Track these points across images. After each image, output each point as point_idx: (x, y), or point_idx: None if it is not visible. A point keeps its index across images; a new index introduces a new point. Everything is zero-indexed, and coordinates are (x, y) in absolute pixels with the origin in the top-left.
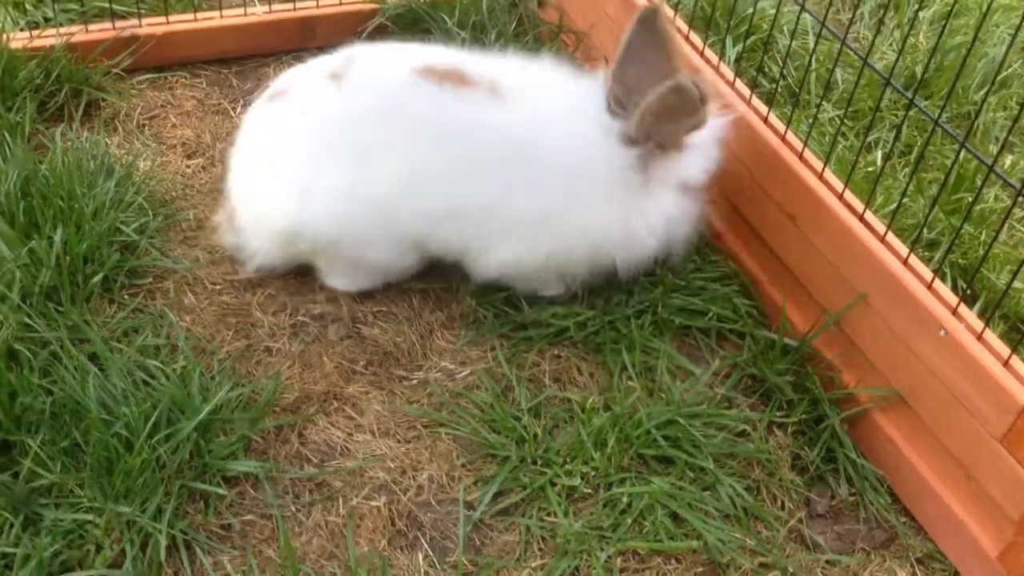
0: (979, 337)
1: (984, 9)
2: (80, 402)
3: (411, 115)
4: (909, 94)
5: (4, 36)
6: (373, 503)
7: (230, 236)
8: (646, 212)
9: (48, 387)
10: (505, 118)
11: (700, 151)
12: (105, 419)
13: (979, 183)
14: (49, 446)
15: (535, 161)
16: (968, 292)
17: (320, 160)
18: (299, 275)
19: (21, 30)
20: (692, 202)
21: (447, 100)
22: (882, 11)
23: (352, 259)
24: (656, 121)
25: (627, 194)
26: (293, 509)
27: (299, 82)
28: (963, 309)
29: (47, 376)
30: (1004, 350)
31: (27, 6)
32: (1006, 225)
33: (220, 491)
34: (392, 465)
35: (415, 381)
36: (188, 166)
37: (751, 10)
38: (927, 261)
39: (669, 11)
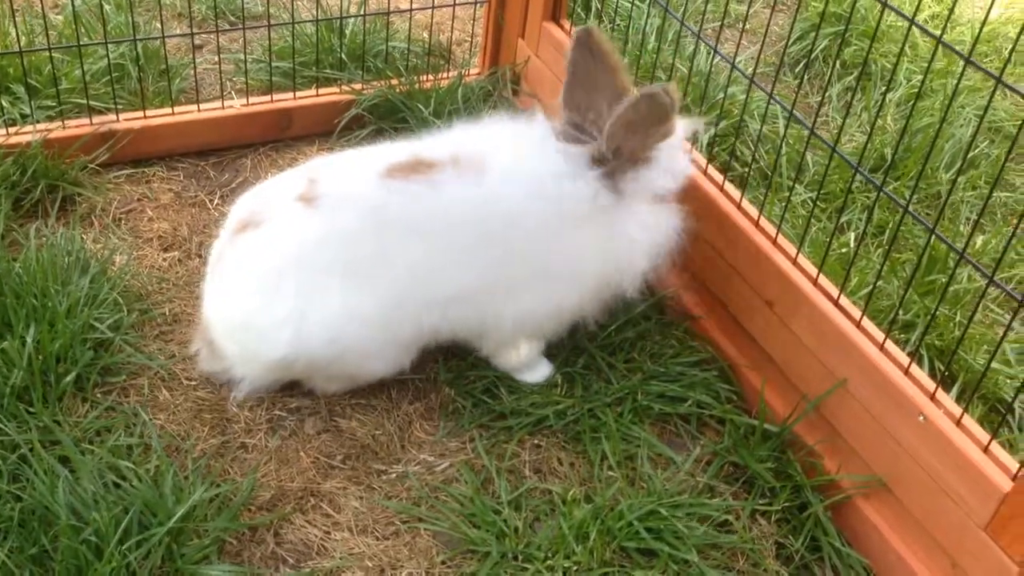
0: (958, 423)
1: (951, 92)
2: (49, 508)
3: (392, 219)
4: (878, 177)
5: None
6: None
7: (212, 364)
8: (628, 229)
9: (17, 493)
10: (479, 190)
11: (668, 159)
12: (75, 525)
13: (951, 264)
14: (17, 554)
15: (520, 220)
16: (946, 373)
17: (311, 287)
18: None
19: None
20: (668, 212)
21: (420, 191)
22: (849, 94)
23: (349, 372)
24: (627, 133)
25: (607, 216)
26: None
27: (267, 210)
28: (941, 394)
29: (16, 481)
30: (983, 436)
31: (3, 103)
32: (980, 306)
33: None
34: (371, 564)
35: (393, 475)
36: (164, 259)
37: (722, 95)
38: (903, 343)
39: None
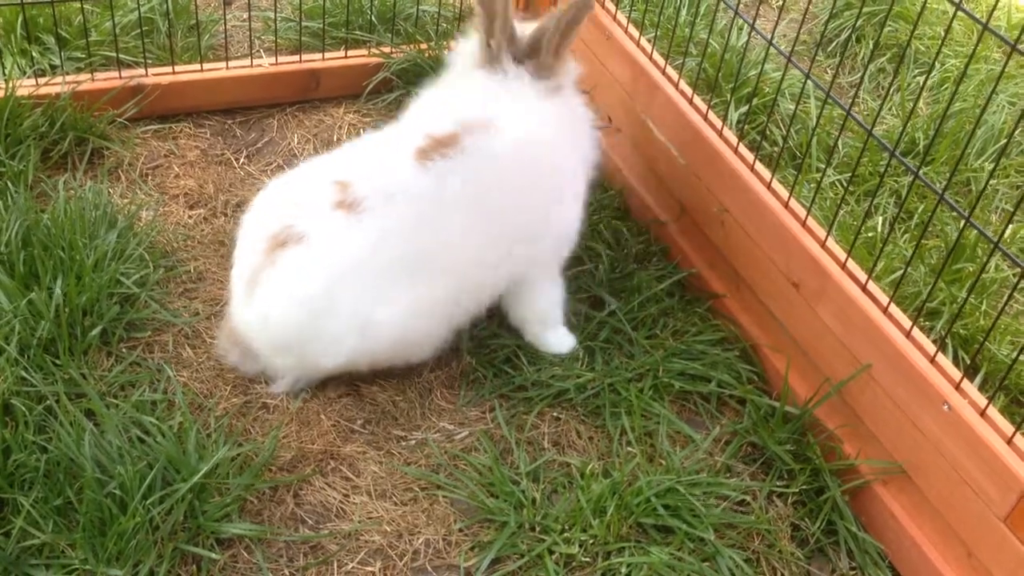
0: (982, 413)
1: (984, 78)
2: (75, 460)
3: (446, 200)
4: (910, 161)
5: (10, 83)
6: (368, 568)
7: (246, 365)
8: (577, 113)
9: (43, 444)
10: (507, 140)
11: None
12: (99, 478)
13: (980, 253)
14: (42, 505)
15: (543, 153)
16: (970, 364)
17: (373, 292)
18: None
19: (27, 77)
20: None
21: (461, 163)
22: (882, 76)
23: (403, 360)
24: (563, 38)
25: (571, 113)
26: (287, 573)
27: (303, 223)
28: (966, 384)
29: (42, 432)
30: (1008, 427)
31: (34, 54)
32: (1005, 295)
33: (213, 555)
34: (388, 529)
35: (413, 442)
36: (190, 216)
37: (753, 73)
38: (927, 330)
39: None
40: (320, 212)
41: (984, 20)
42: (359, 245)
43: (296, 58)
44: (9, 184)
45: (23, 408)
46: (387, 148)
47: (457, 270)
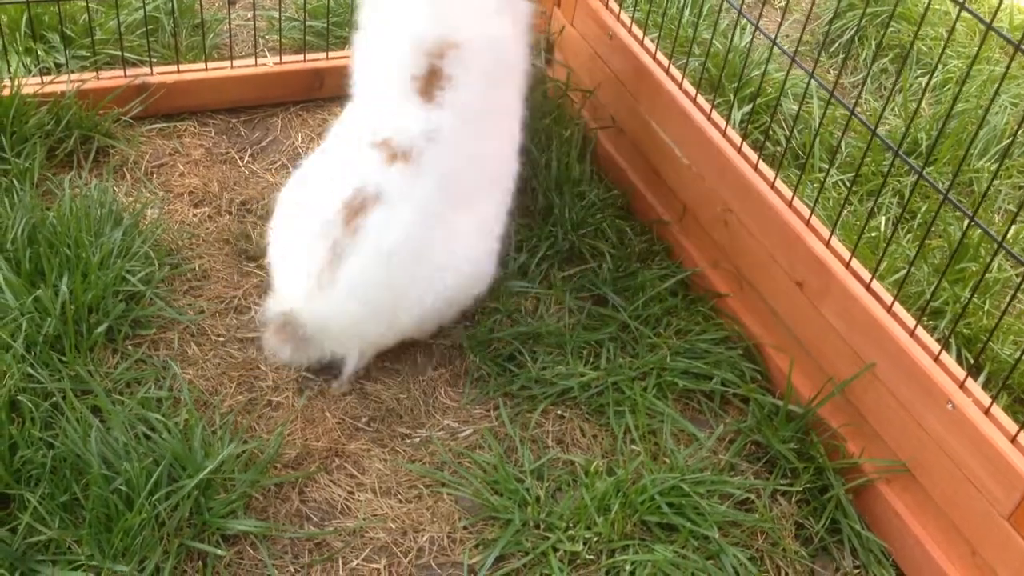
0: (986, 412)
1: (986, 79)
2: (81, 456)
3: (474, 113)
4: (914, 162)
5: (16, 81)
6: (373, 565)
7: (302, 356)
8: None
9: (49, 440)
10: (495, 39)
11: None
12: (106, 475)
13: (983, 252)
14: (48, 501)
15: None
16: (973, 363)
17: (448, 226)
18: None
19: (33, 76)
20: None
21: (466, 76)
22: (884, 76)
23: (475, 292)
24: None
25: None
26: (292, 570)
27: (370, 187)
28: (969, 382)
29: (48, 429)
30: (1012, 426)
31: (39, 52)
32: (1008, 295)
33: (219, 552)
34: (393, 526)
35: (417, 439)
36: (195, 215)
37: (756, 73)
38: (931, 330)
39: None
40: (380, 170)
41: (988, 21)
42: (427, 187)
43: (300, 57)
44: (15, 182)
45: (30, 405)
46: (389, 100)
47: (500, 174)
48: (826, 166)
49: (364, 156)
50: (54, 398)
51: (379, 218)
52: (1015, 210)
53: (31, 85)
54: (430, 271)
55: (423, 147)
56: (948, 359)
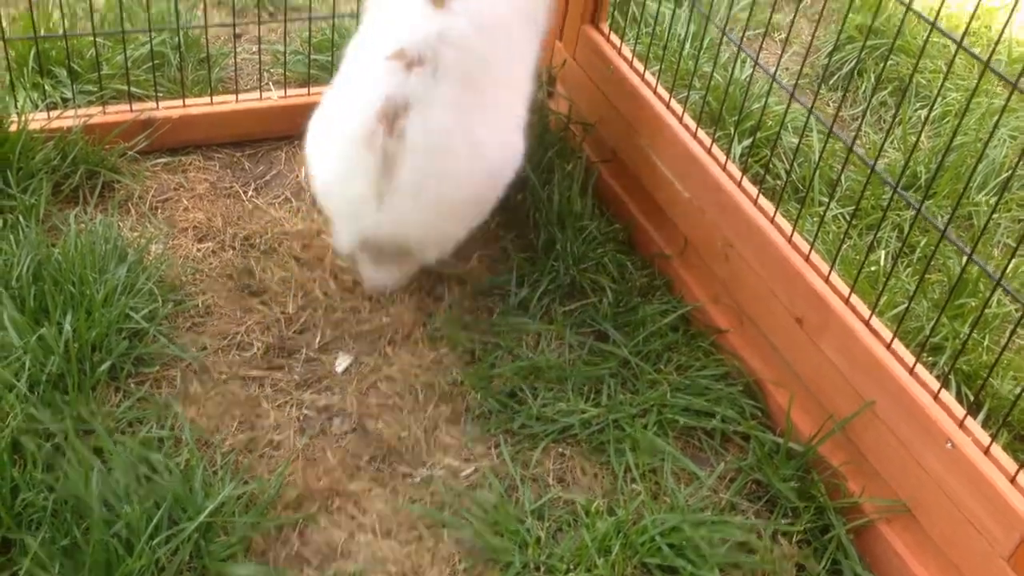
0: (986, 452)
1: (985, 112)
2: (82, 499)
3: (474, 27)
4: (912, 195)
5: (23, 117)
6: None
7: (393, 274)
8: None
9: (50, 483)
10: None
11: None
12: (107, 519)
13: (982, 288)
14: (49, 545)
15: None
16: (973, 401)
17: (474, 119)
18: (308, 361)
19: (40, 111)
20: None
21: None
22: (883, 109)
23: (502, 187)
24: None
25: None
26: None
27: (402, 92)
28: (969, 421)
29: (50, 470)
30: (1012, 466)
31: (46, 87)
32: (1007, 331)
33: None
34: (393, 569)
35: (419, 479)
36: (199, 250)
37: (756, 106)
38: (930, 366)
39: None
40: (405, 79)
41: (985, 58)
42: (451, 84)
43: (305, 91)
44: (20, 218)
45: (32, 446)
46: (403, 11)
47: (515, 77)
48: (826, 199)
49: (383, 71)
50: (56, 439)
51: (417, 117)
52: (1014, 245)
53: (38, 120)
54: (471, 153)
55: (440, 50)
56: (948, 397)
